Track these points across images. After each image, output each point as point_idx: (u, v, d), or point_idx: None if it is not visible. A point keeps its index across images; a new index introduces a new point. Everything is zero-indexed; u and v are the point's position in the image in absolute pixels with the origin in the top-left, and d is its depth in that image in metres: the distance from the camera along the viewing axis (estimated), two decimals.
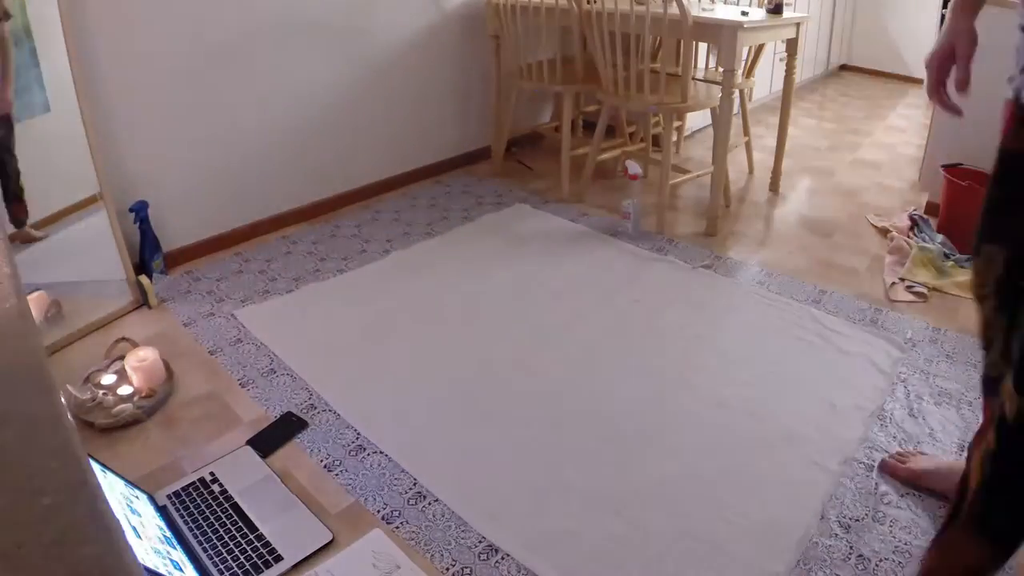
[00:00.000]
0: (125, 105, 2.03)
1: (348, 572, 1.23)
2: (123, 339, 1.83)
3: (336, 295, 2.13)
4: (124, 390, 1.61)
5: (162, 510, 1.33)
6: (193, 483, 1.40)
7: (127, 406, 1.56)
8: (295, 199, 2.61)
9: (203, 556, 1.26)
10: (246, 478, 1.43)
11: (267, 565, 1.26)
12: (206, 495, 1.38)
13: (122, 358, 1.67)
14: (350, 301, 2.09)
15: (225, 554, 1.27)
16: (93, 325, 1.91)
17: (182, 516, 1.33)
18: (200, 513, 1.34)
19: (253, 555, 1.27)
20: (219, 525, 1.32)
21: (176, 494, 1.36)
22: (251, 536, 1.31)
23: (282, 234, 2.54)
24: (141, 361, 1.62)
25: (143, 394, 1.61)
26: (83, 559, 0.41)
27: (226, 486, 1.40)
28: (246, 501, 1.38)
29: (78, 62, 1.81)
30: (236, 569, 1.24)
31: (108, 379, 1.64)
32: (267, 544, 1.29)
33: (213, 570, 1.24)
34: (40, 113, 1.79)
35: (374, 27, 2.70)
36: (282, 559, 1.27)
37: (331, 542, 1.30)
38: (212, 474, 1.42)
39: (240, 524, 1.33)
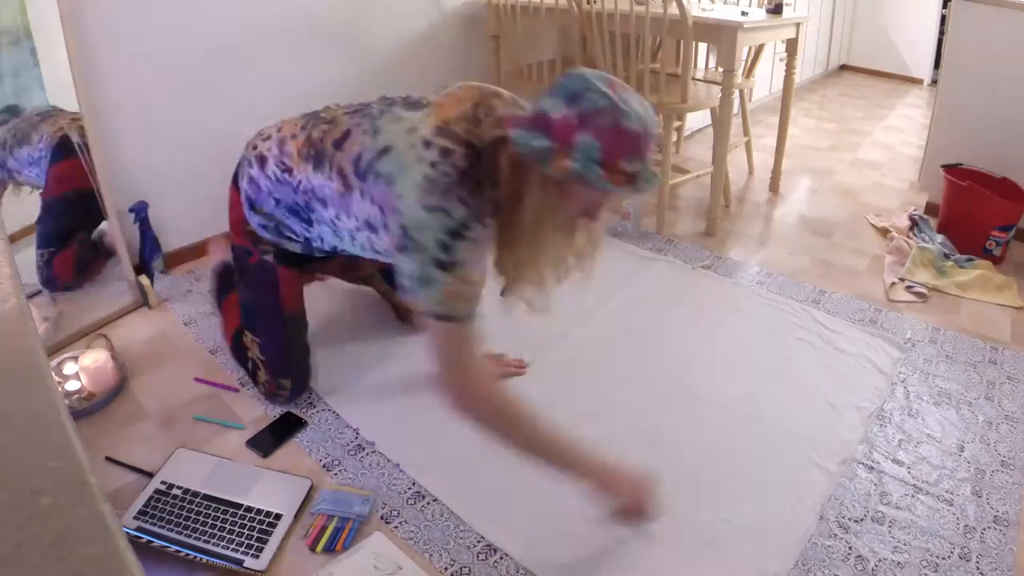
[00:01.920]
0: (125, 105, 2.03)
1: (349, 574, 1.23)
2: (102, 335, 1.84)
3: (336, 295, 2.13)
4: (71, 385, 1.62)
5: (139, 531, 1.27)
6: (152, 496, 1.35)
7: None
8: None
9: (209, 547, 1.26)
10: (198, 472, 1.42)
11: (272, 526, 1.30)
12: (172, 500, 1.34)
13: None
14: (349, 301, 2.09)
15: (229, 536, 1.28)
16: (93, 325, 1.91)
17: (162, 526, 1.29)
18: (178, 516, 1.31)
19: (255, 524, 1.30)
20: (204, 517, 1.31)
21: (142, 511, 1.31)
22: (240, 512, 1.32)
23: None
24: (93, 362, 1.64)
25: (83, 395, 1.61)
26: (83, 560, 0.41)
27: (186, 485, 1.38)
28: (213, 489, 1.38)
29: (78, 62, 1.81)
30: (248, 542, 1.26)
31: (69, 369, 1.65)
32: (259, 511, 1.33)
33: (228, 552, 1.24)
34: None
35: (374, 27, 2.70)
36: (281, 515, 1.32)
37: (313, 486, 1.40)
38: (164, 482, 1.38)
39: (223, 507, 1.33)
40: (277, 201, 1.40)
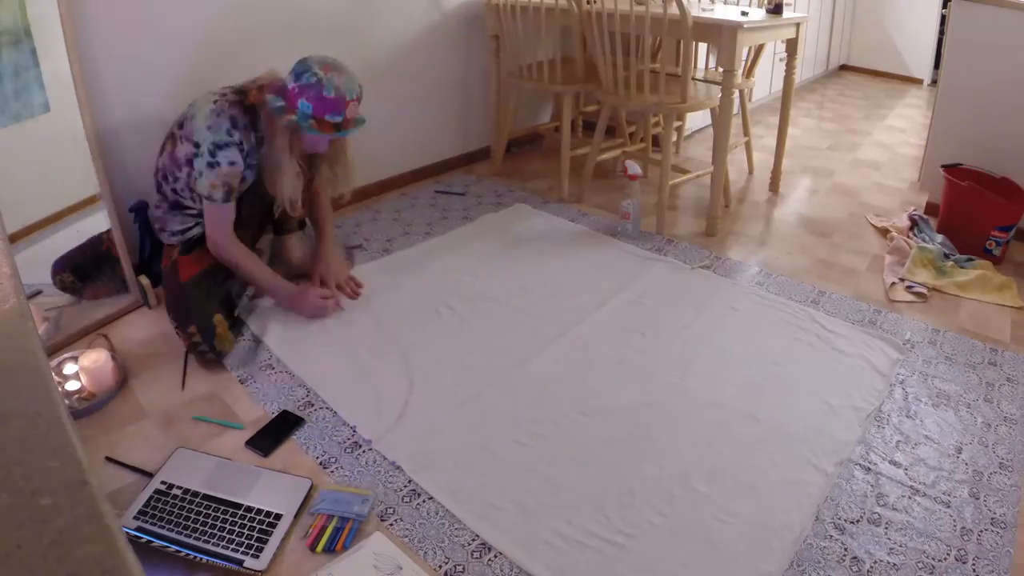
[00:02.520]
0: (125, 105, 2.03)
1: (349, 574, 1.23)
2: (102, 335, 1.85)
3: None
4: (71, 385, 1.62)
5: (139, 531, 1.28)
6: (152, 496, 1.35)
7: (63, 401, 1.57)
8: None
9: (209, 547, 1.26)
10: (198, 471, 1.42)
11: (272, 526, 1.30)
12: (172, 500, 1.34)
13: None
14: (349, 300, 2.09)
15: (229, 536, 1.28)
16: (93, 325, 1.92)
17: (162, 526, 1.29)
18: (178, 516, 1.31)
19: (255, 524, 1.31)
20: (204, 518, 1.32)
21: (142, 511, 1.32)
22: (240, 512, 1.33)
23: None
24: (93, 362, 1.64)
25: (83, 395, 1.62)
26: (83, 560, 0.41)
27: (186, 485, 1.38)
28: (213, 489, 1.38)
29: (78, 62, 1.81)
30: (248, 542, 1.27)
31: (69, 369, 1.65)
32: (259, 511, 1.33)
33: (228, 552, 1.25)
34: (40, 113, 1.80)
35: (374, 27, 2.70)
36: (281, 515, 1.33)
37: (313, 486, 1.41)
38: (164, 482, 1.38)
39: (223, 508, 1.34)
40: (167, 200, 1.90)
